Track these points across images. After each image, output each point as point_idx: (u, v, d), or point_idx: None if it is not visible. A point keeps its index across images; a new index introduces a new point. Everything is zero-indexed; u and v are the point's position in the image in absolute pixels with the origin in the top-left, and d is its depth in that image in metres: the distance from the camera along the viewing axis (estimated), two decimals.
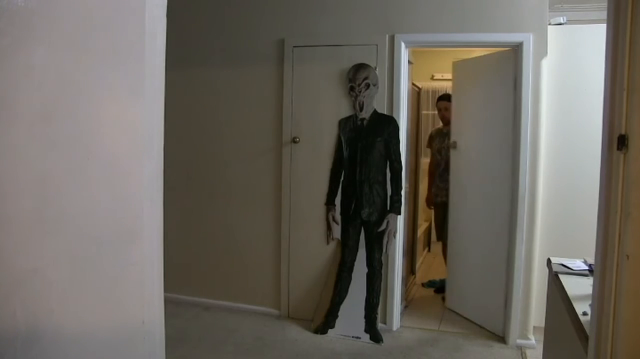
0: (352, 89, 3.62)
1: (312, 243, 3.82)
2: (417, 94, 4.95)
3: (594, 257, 1.31)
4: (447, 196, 4.20)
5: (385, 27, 3.60)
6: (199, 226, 4.13)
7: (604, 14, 1.31)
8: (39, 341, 1.14)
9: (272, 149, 3.88)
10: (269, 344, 3.46)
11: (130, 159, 1.22)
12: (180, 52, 3.87)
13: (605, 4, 1.27)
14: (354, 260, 3.64)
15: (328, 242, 3.76)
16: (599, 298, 1.24)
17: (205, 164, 4.09)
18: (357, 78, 3.59)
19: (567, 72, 3.50)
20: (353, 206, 3.59)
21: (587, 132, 3.33)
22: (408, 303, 4.25)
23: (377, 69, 3.59)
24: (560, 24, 3.51)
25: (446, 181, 4.20)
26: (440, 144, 4.44)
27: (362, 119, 3.60)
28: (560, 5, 3.61)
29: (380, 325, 3.63)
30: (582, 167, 3.39)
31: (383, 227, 3.55)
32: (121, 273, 1.22)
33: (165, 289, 1.34)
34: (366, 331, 3.54)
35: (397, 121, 3.56)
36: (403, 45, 3.59)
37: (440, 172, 4.39)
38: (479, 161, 3.82)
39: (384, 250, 3.59)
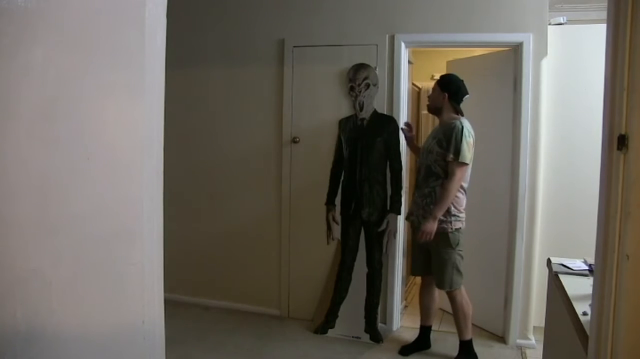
0: (352, 89, 3.62)
1: (312, 243, 3.82)
2: (417, 94, 4.95)
3: (594, 257, 1.31)
4: (423, 217, 3.11)
5: (385, 27, 3.60)
6: (199, 226, 4.13)
7: (604, 14, 1.31)
8: (39, 341, 1.14)
9: (272, 149, 3.89)
10: (269, 344, 3.46)
11: (130, 159, 1.22)
12: (180, 52, 3.88)
13: (605, 4, 1.27)
14: (354, 260, 3.63)
15: (328, 243, 3.76)
16: (599, 298, 1.23)
17: (205, 164, 4.09)
18: (357, 78, 3.59)
19: (567, 72, 3.50)
20: (353, 205, 3.58)
21: (587, 132, 3.33)
22: (408, 303, 4.25)
23: (377, 69, 3.60)
24: (560, 24, 3.52)
25: (425, 196, 3.15)
26: (427, 141, 3.31)
27: (362, 119, 3.59)
28: (560, 5, 3.61)
29: (380, 325, 3.63)
30: (582, 167, 3.39)
31: (383, 227, 3.55)
32: (121, 272, 1.22)
33: (165, 289, 1.34)
34: (366, 331, 3.54)
35: (397, 121, 3.56)
36: (403, 45, 3.59)
37: (418, 181, 3.27)
38: (478, 161, 3.82)
39: (384, 250, 3.59)
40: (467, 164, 3.04)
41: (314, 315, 3.77)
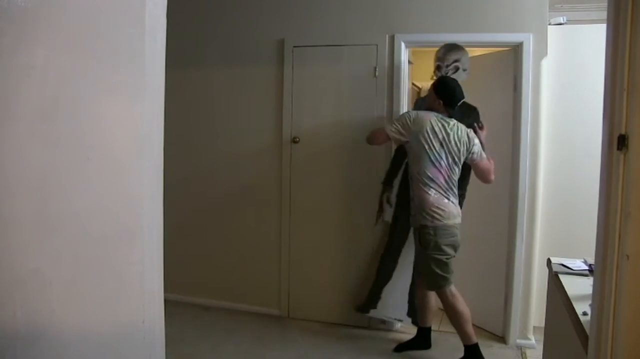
0: (438, 68, 3.40)
1: (312, 243, 3.81)
2: (417, 94, 4.95)
3: (594, 257, 1.31)
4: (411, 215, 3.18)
5: (385, 27, 3.60)
6: (199, 226, 4.13)
7: (604, 14, 1.31)
8: (39, 341, 1.14)
9: (272, 149, 3.88)
10: (269, 344, 3.46)
11: (130, 158, 1.22)
12: (180, 52, 3.87)
13: (605, 4, 1.27)
14: (403, 245, 3.48)
15: (376, 224, 3.60)
16: (599, 298, 1.24)
17: (206, 164, 4.09)
18: (446, 58, 3.38)
19: (567, 72, 3.50)
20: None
21: (587, 132, 3.33)
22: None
23: (377, 69, 3.58)
24: (560, 24, 3.52)
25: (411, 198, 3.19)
26: None
27: None
28: (560, 5, 3.61)
29: (379, 325, 3.62)
30: (582, 167, 3.39)
31: None
32: (121, 272, 1.22)
33: (165, 289, 1.34)
34: (409, 314, 3.49)
35: (479, 112, 3.34)
36: (403, 45, 3.59)
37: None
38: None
39: None
40: (382, 129, 3.17)
41: (357, 294, 3.67)
